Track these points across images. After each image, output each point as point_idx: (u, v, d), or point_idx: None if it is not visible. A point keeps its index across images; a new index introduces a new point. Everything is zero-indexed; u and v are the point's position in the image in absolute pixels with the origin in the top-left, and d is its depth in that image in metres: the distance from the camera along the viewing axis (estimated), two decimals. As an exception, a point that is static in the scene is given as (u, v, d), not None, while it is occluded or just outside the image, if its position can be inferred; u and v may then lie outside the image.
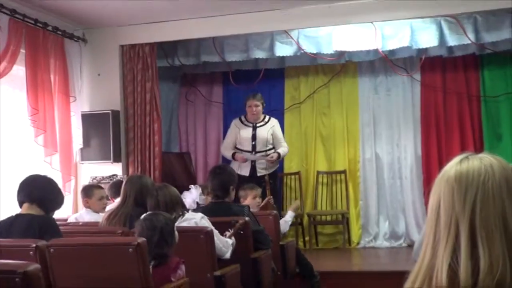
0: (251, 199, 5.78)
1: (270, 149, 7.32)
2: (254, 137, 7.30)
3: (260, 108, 7.32)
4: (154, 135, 7.13)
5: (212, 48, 7.43)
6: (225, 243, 4.21)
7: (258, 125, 7.35)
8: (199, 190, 5.27)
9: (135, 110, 7.14)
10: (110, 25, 7.10)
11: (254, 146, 7.28)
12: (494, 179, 1.47)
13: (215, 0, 6.42)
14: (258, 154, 7.23)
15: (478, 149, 7.75)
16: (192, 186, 5.14)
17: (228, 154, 7.40)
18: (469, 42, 6.79)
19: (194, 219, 4.10)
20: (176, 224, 4.03)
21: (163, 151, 7.49)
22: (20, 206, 3.67)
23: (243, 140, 7.33)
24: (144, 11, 6.69)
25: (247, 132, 7.33)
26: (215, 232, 4.12)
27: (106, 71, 7.19)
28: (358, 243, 8.01)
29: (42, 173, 4.06)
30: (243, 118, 7.45)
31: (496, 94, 7.72)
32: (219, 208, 4.78)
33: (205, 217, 4.18)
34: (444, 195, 1.50)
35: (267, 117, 7.46)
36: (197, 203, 5.08)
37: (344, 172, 8.11)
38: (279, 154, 7.29)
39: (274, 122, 7.45)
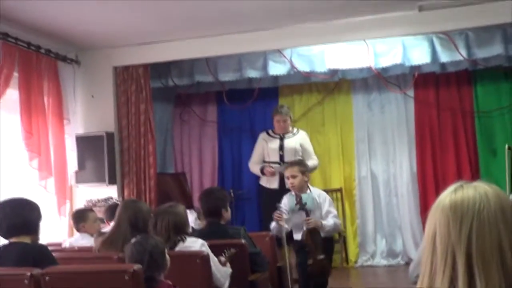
0: None
1: None
2: (281, 148, 7.20)
3: (288, 122, 7.26)
4: (149, 156, 7.10)
5: (205, 68, 7.44)
6: (223, 273, 4.17)
7: (286, 136, 7.27)
8: (195, 214, 5.27)
9: (130, 132, 7.12)
10: (103, 47, 7.09)
11: (281, 157, 7.13)
12: (489, 207, 1.46)
13: (207, 21, 6.43)
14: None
15: (473, 164, 7.77)
16: (188, 211, 5.11)
17: (256, 169, 7.31)
18: (461, 58, 6.81)
19: (193, 247, 4.07)
20: (176, 249, 4.03)
21: (158, 172, 7.46)
22: (5, 237, 3.58)
23: (270, 151, 7.24)
24: (136, 33, 6.69)
25: (274, 143, 7.25)
26: (214, 260, 4.09)
27: (100, 93, 7.17)
28: (355, 262, 7.99)
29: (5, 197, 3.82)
30: (270, 131, 7.38)
31: (489, 109, 7.74)
32: (215, 231, 4.74)
33: (206, 244, 4.13)
34: (439, 224, 1.49)
35: (296, 129, 7.40)
36: (192, 228, 5.05)
37: (340, 190, 8.11)
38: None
39: (303, 134, 7.40)
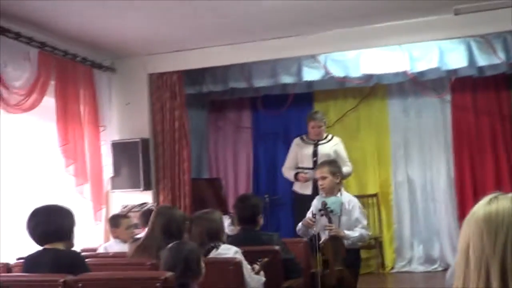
0: None
1: None
2: (315, 153, 7.13)
3: (323, 127, 7.21)
4: (184, 162, 7.14)
5: (239, 74, 7.45)
6: (256, 282, 4.13)
7: (320, 142, 7.21)
8: (229, 220, 5.25)
9: (164, 138, 7.17)
10: (138, 54, 7.16)
11: (315, 163, 6.97)
12: None
13: (241, 28, 6.44)
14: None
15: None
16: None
17: (290, 175, 7.26)
18: (499, 61, 6.67)
19: (227, 254, 4.06)
20: (210, 256, 4.02)
21: (193, 178, 7.49)
22: (39, 244, 3.60)
23: (303, 157, 7.18)
24: (171, 40, 6.74)
25: (308, 149, 7.19)
26: (247, 268, 4.06)
27: (135, 100, 7.25)
28: (392, 268, 7.90)
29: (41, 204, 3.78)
30: (304, 137, 7.32)
31: (533, 113, 7.58)
32: (248, 237, 4.73)
33: (239, 251, 4.11)
34: (473, 236, 1.45)
35: (330, 135, 7.33)
36: (227, 233, 5.03)
37: (375, 195, 8.03)
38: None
39: (337, 140, 7.30)
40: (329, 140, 7.23)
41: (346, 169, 6.88)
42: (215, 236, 4.18)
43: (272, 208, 7.87)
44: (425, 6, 6.04)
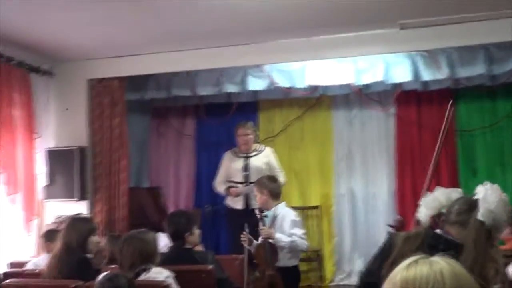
0: None
1: None
2: (246, 168, 7.02)
3: (251, 137, 7.09)
4: (122, 172, 6.92)
5: (183, 82, 7.28)
6: None
7: (251, 155, 7.09)
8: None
9: (103, 147, 6.94)
10: (78, 59, 6.93)
11: (247, 177, 6.97)
12: None
13: (186, 35, 6.28)
14: (252, 185, 6.86)
15: (453, 183, 7.61)
16: (161, 234, 4.95)
17: (221, 189, 7.14)
18: (443, 76, 6.69)
19: (158, 278, 3.88)
20: (140, 278, 3.85)
21: (133, 186, 7.31)
22: None
23: (234, 171, 7.06)
24: (113, 45, 6.54)
25: (238, 163, 7.07)
26: None
27: (74, 106, 7.00)
28: (331, 281, 7.85)
29: None
30: (236, 150, 7.21)
31: (471, 128, 7.63)
32: (181, 255, 4.57)
33: (171, 276, 3.93)
34: None
35: (261, 146, 7.24)
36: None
37: (317, 207, 7.96)
38: None
39: (269, 151, 7.21)
40: (260, 152, 7.14)
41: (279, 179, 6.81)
42: (147, 258, 4.00)
43: (214, 218, 7.73)
44: (371, 20, 6.00)
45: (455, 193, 2.78)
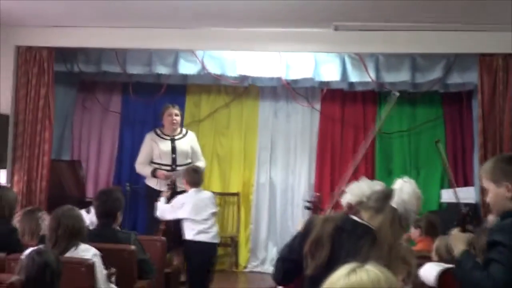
0: None
1: (189, 163, 6.98)
2: (174, 150, 7.02)
3: (179, 118, 7.12)
4: (44, 143, 6.83)
5: (113, 58, 7.21)
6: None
7: (176, 137, 7.10)
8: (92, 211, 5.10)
9: (26, 116, 6.82)
10: (7, 25, 6.73)
11: (174, 160, 6.98)
12: None
13: (119, 12, 6.24)
14: (178, 168, 6.95)
15: (369, 182, 7.91)
16: (84, 212, 4.95)
17: (147, 171, 7.04)
18: (369, 80, 6.93)
19: (85, 256, 3.90)
20: (67, 254, 3.86)
21: (53, 158, 7.19)
22: None
23: (162, 153, 7.00)
24: (44, 14, 6.41)
25: (166, 145, 7.03)
26: (103, 273, 3.94)
27: (-1, 71, 6.83)
28: (245, 267, 8.00)
29: None
30: (158, 131, 7.15)
31: (390, 131, 7.93)
32: (105, 234, 4.61)
33: (98, 255, 3.97)
34: None
35: (184, 129, 7.26)
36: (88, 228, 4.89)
37: (237, 194, 8.10)
38: None
39: (192, 135, 7.27)
40: (185, 135, 7.19)
41: (201, 164, 7.06)
42: (76, 235, 4.01)
43: (132, 198, 7.70)
44: (307, 18, 6.16)
45: (378, 185, 2.97)
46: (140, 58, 7.18)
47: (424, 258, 4.02)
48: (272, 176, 8.18)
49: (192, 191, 6.12)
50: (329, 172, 8.00)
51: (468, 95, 7.42)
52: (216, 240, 6.12)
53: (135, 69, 7.27)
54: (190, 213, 5.97)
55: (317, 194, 6.18)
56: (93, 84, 8.27)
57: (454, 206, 6.29)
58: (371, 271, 1.48)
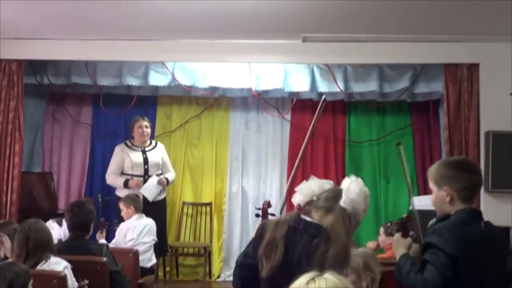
0: None
1: (160, 174, 7.29)
2: (146, 161, 7.19)
3: (149, 130, 7.30)
4: (15, 156, 6.80)
5: (83, 70, 7.20)
6: None
7: (147, 149, 7.27)
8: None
9: (-4, 128, 6.79)
10: (-25, 36, 6.71)
11: (146, 170, 7.16)
12: None
13: (89, 24, 6.24)
14: (149, 179, 7.15)
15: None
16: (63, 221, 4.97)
17: (119, 182, 7.16)
18: (338, 90, 7.01)
19: (56, 268, 3.91)
20: (38, 267, 3.87)
21: (23, 171, 7.16)
22: None
23: (134, 164, 7.17)
24: (14, 27, 6.36)
25: (137, 156, 7.19)
26: (75, 285, 3.97)
27: (-32, 85, 6.78)
28: (218, 276, 8.04)
29: None
30: (128, 143, 7.30)
31: (360, 140, 8.05)
32: (77, 246, 4.62)
33: (69, 267, 4.00)
34: None
35: (154, 141, 7.41)
36: (60, 240, 4.90)
37: (209, 204, 8.13)
38: (167, 179, 7.31)
39: (162, 146, 7.45)
40: (155, 146, 7.39)
41: (171, 175, 7.41)
42: (46, 247, 4.02)
43: (105, 209, 7.69)
44: (275, 30, 6.23)
45: (327, 184, 3.02)
46: (110, 69, 7.19)
47: (393, 265, 4.09)
48: (244, 185, 8.23)
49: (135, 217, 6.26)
50: (300, 180, 7.97)
51: (435, 104, 7.58)
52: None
53: (105, 81, 7.28)
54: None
55: (266, 200, 6.26)
56: (63, 96, 8.26)
57: (425, 214, 6.38)
58: (329, 279, 1.54)
